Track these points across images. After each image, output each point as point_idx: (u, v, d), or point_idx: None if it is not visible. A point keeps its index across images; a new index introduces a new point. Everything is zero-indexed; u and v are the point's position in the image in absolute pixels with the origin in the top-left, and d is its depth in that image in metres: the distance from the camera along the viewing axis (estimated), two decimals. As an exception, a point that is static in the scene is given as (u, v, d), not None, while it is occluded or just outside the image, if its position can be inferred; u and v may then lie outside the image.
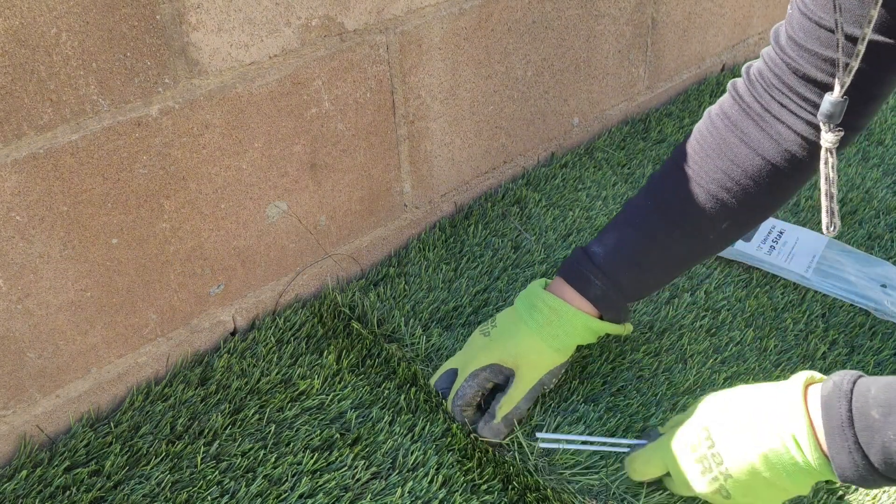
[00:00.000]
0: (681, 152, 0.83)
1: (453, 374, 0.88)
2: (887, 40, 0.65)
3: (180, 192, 0.87)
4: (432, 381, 0.90)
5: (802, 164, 0.77)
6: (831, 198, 0.71)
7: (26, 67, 0.70)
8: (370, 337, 0.98)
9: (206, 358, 0.96)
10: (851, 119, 0.72)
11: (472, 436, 0.85)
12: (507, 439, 0.84)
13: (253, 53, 0.86)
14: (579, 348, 0.91)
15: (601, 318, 0.86)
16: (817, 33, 0.69)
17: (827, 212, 0.72)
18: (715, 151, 0.80)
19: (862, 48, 0.64)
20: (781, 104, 0.75)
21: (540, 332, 0.85)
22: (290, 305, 1.04)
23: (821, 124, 0.70)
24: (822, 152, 0.71)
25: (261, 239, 0.97)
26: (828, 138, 0.70)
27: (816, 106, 0.72)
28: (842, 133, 0.69)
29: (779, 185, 0.79)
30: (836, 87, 0.68)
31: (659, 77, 1.49)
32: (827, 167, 0.71)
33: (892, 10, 0.64)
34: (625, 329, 0.90)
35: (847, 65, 0.66)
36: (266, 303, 1.03)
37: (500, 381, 0.86)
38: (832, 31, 0.67)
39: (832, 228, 0.73)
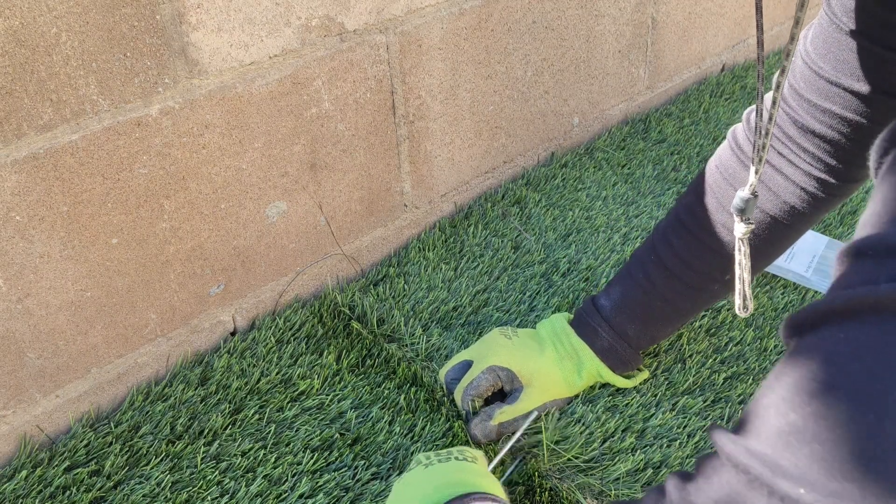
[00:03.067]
0: (681, 204, 0.84)
1: (466, 366, 0.89)
2: (884, 97, 0.66)
3: (180, 192, 0.87)
4: (443, 370, 0.90)
5: (803, 215, 0.76)
6: (744, 282, 0.75)
7: (26, 67, 0.70)
8: (370, 337, 0.98)
9: (206, 358, 0.96)
10: (852, 171, 0.73)
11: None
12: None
13: (253, 53, 0.86)
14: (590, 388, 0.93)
15: (612, 369, 0.89)
16: (817, 84, 0.69)
17: (740, 294, 0.76)
18: (713, 205, 0.79)
19: (771, 132, 0.65)
20: (781, 154, 0.74)
21: (559, 364, 0.88)
22: (290, 305, 1.04)
23: (734, 216, 0.73)
24: (736, 241, 0.74)
25: (261, 239, 0.97)
26: (740, 229, 0.72)
27: (816, 157, 0.72)
28: (752, 226, 0.72)
29: (779, 236, 0.79)
30: (748, 185, 0.70)
31: (659, 77, 1.49)
32: (740, 254, 0.74)
33: (882, 67, 0.64)
34: (634, 382, 0.91)
35: (756, 168, 0.67)
36: (266, 303, 1.03)
37: (507, 389, 0.87)
38: (832, 84, 0.68)
39: (745, 311, 0.76)
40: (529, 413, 0.86)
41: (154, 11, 0.76)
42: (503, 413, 0.84)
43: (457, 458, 0.71)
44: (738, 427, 0.36)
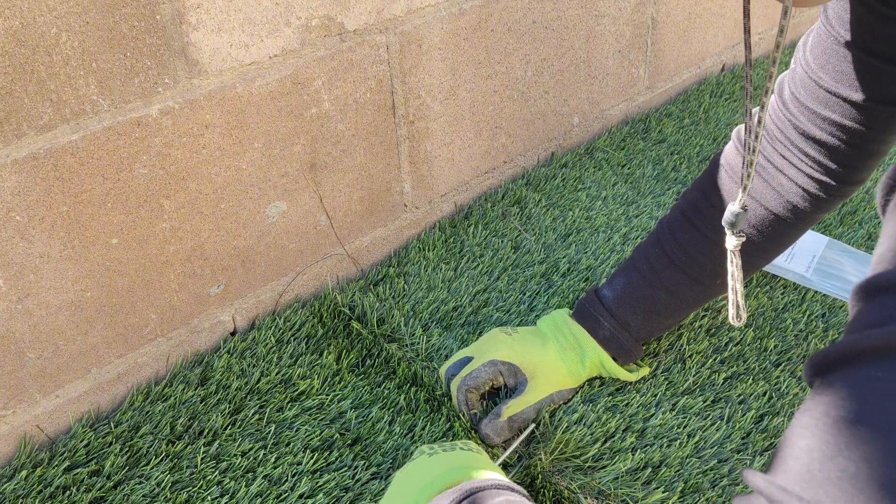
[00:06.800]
0: (686, 199, 0.85)
1: (467, 362, 0.89)
2: (882, 107, 0.68)
3: (180, 192, 0.87)
4: (444, 367, 0.91)
5: (805, 213, 0.79)
6: (737, 293, 0.77)
7: (26, 67, 0.70)
8: (370, 337, 0.98)
9: (206, 358, 0.96)
10: (852, 174, 0.75)
11: (472, 433, 0.85)
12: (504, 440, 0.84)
13: (253, 53, 0.86)
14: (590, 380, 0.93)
15: (614, 359, 0.90)
16: (817, 93, 0.71)
17: (733, 304, 0.78)
18: (718, 201, 0.81)
19: (756, 148, 0.66)
20: (783, 156, 0.77)
21: (561, 354, 0.89)
22: (290, 305, 1.04)
23: (725, 229, 0.74)
24: (728, 253, 0.75)
25: (261, 239, 0.97)
26: (731, 241, 0.74)
27: (816, 161, 0.75)
28: (744, 238, 0.74)
29: (782, 233, 0.81)
30: (737, 199, 0.71)
31: (659, 77, 1.49)
32: (732, 266, 0.75)
33: (880, 79, 0.66)
34: (636, 376, 0.92)
35: (745, 184, 0.69)
36: (266, 303, 1.03)
37: (510, 384, 0.87)
38: (831, 93, 0.69)
39: (738, 320, 0.78)
40: (538, 403, 0.86)
41: (154, 11, 0.76)
42: (510, 407, 0.84)
43: (462, 449, 0.71)
44: (775, 468, 0.36)
